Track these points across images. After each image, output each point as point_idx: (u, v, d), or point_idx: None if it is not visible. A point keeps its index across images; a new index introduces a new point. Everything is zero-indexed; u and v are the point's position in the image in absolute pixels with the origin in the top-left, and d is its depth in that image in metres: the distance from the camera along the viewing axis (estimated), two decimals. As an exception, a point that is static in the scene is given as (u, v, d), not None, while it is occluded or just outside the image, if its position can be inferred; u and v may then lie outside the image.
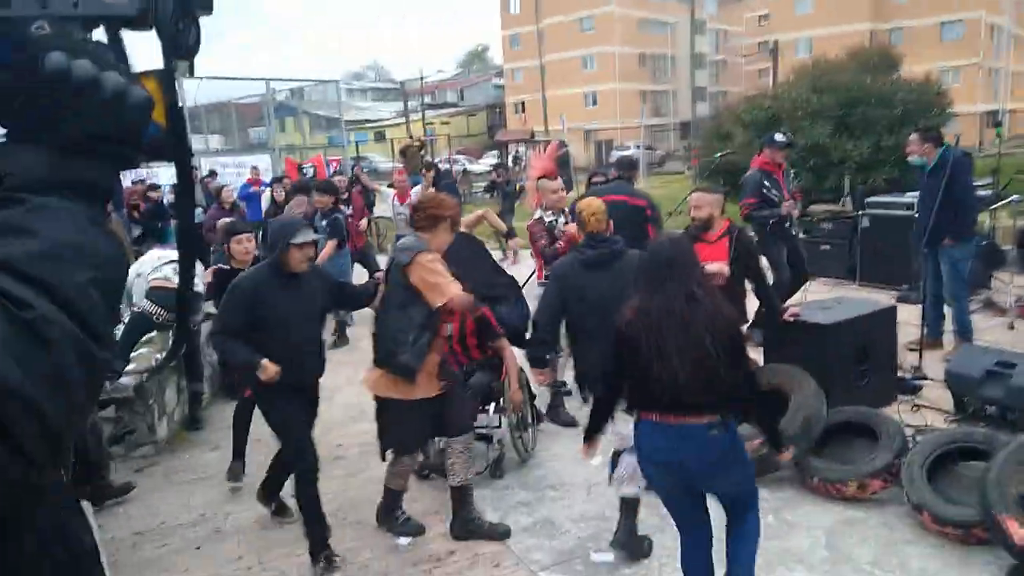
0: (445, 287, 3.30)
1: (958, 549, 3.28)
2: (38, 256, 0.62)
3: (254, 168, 12.32)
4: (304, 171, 14.51)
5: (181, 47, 0.79)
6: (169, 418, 5.21)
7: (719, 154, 11.07)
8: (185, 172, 0.87)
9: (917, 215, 5.89)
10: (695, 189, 4.89)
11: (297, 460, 3.49)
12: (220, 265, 4.69)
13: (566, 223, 5.28)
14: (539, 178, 5.27)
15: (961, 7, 38.63)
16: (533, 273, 5.58)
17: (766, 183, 6.11)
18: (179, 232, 1.22)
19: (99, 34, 0.76)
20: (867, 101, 12.30)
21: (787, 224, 6.16)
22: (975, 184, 6.51)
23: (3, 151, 0.66)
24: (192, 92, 17.41)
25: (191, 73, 0.92)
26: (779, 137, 6.28)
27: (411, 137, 16.85)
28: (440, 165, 8.83)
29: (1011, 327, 6.16)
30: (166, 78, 0.79)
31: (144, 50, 0.81)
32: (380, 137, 46.62)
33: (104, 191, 0.70)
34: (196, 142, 19.46)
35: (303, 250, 3.40)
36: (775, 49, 36.69)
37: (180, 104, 0.82)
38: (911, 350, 5.53)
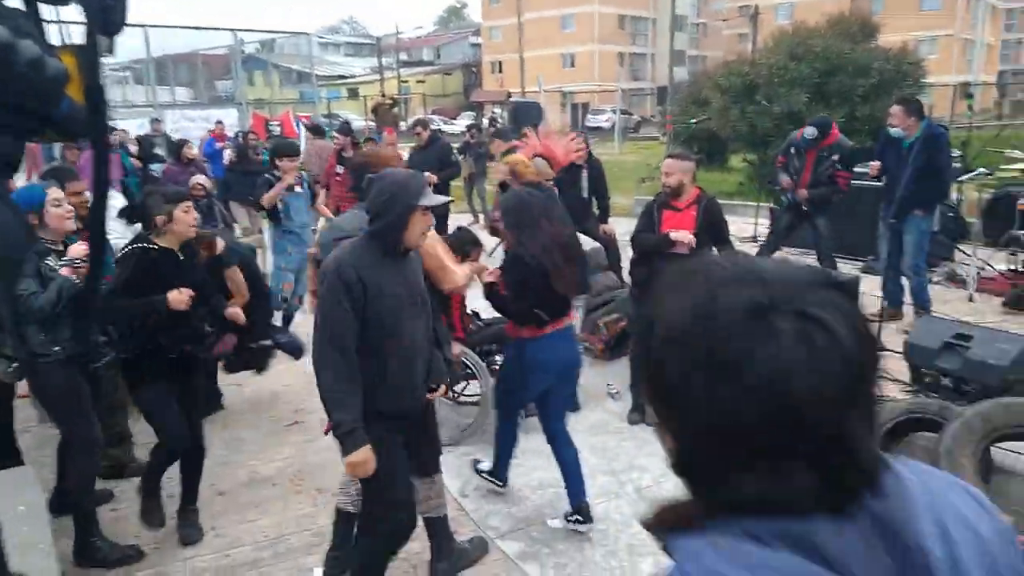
0: (452, 272, 3.38)
1: (907, 518, 3.33)
2: None
3: (218, 123, 11.95)
4: (271, 128, 14.15)
5: (108, 23, 0.75)
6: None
7: (694, 120, 10.98)
8: (102, 157, 0.81)
9: (885, 185, 5.87)
10: (668, 155, 4.82)
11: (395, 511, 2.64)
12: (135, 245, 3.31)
13: None
14: (538, 155, 5.12)
15: (941, -24, 38.58)
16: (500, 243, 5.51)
17: (792, 150, 6.31)
18: (89, 223, 1.09)
19: (15, 1, 0.72)
20: (844, 69, 12.25)
21: (791, 195, 6.27)
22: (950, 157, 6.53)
23: None
24: (159, 41, 16.84)
25: (111, 51, 0.85)
26: (807, 133, 6.21)
27: (383, 95, 16.47)
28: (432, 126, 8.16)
29: (971, 299, 6.25)
30: (88, 55, 0.74)
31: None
32: (353, 94, 45.67)
33: (7, 161, 0.68)
34: (162, 94, 18.87)
35: (427, 217, 2.56)
36: (755, 14, 36.45)
37: (101, 82, 0.77)
38: (871, 321, 5.60)
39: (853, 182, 7.69)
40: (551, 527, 3.41)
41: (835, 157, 6.19)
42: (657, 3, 49.38)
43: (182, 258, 3.29)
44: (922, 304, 5.71)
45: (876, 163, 5.99)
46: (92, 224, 0.94)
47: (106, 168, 0.88)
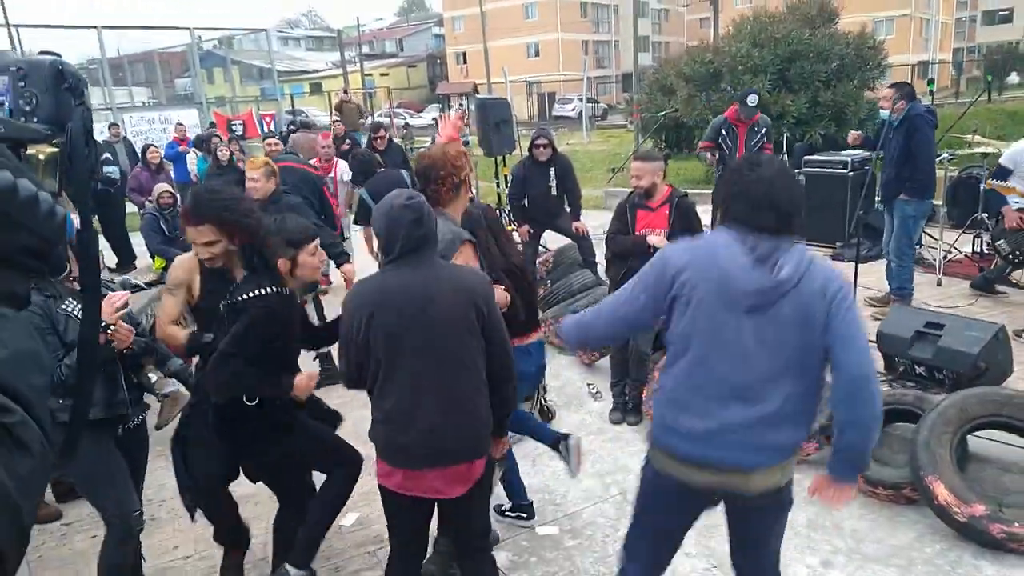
0: None
1: (887, 508, 3.40)
2: (6, 363, 0.66)
3: (179, 125, 11.68)
4: (233, 127, 13.89)
5: (89, 168, 0.87)
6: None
7: (662, 113, 11.02)
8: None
9: (882, 169, 5.91)
10: (636, 156, 4.82)
11: None
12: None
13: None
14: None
15: (896, -43, 39.14)
16: None
17: (723, 131, 6.46)
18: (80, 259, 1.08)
19: None
20: (805, 56, 12.40)
21: None
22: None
23: None
24: (114, 42, 16.43)
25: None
26: (750, 100, 6.45)
27: (346, 91, 16.26)
28: (370, 124, 7.86)
29: (939, 283, 6.38)
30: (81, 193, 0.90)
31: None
32: (316, 89, 45.05)
33: (25, 301, 0.73)
34: (120, 95, 18.42)
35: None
36: (716, -1, 36.62)
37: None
38: (871, 305, 5.71)
39: (822, 170, 7.83)
40: (539, 534, 3.41)
41: (762, 131, 6.52)
42: (618, -11, 49.48)
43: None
44: (899, 291, 5.73)
45: (857, 132, 6.24)
46: (83, 261, 0.95)
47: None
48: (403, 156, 8.13)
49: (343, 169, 7.14)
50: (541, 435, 3.49)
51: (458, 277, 2.39)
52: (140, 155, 8.97)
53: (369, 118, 15.74)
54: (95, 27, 14.67)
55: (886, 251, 5.88)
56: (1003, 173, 5.51)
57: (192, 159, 9.96)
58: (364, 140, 9.15)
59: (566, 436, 3.39)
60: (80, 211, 0.90)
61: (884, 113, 5.62)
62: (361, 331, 2.28)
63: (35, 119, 0.81)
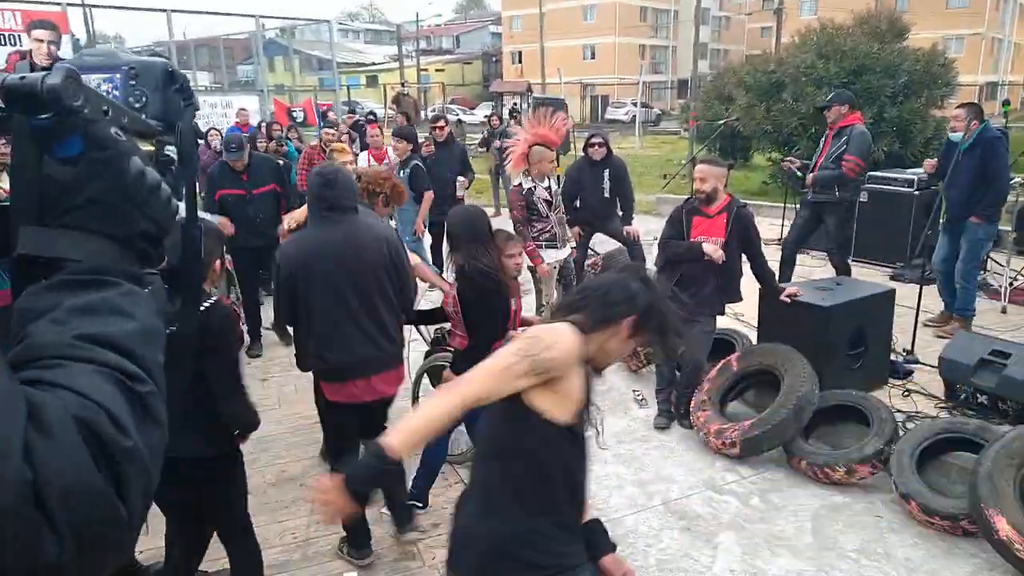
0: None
1: (943, 540, 3.28)
2: (138, 337, 0.68)
3: (242, 111, 11.93)
4: (294, 115, 14.14)
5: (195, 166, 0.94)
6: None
7: (721, 121, 10.84)
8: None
9: (946, 191, 5.64)
10: (702, 159, 4.75)
11: None
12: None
13: (548, 189, 5.15)
14: (534, 144, 5.09)
15: (970, -26, 37.92)
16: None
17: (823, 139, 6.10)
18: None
19: None
20: (872, 70, 12.06)
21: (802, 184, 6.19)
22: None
23: (63, 237, 0.69)
24: (181, 26, 16.88)
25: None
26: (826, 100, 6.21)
27: (403, 83, 16.42)
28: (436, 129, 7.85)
29: (1003, 311, 6.14)
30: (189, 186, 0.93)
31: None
32: (373, 81, 45.63)
33: (141, 283, 0.75)
34: (184, 79, 18.87)
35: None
36: (780, 8, 35.96)
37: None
38: (927, 325, 5.57)
39: (886, 187, 7.59)
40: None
41: (844, 139, 5.86)
42: (680, -5, 48.92)
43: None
44: (964, 312, 5.62)
45: (931, 160, 5.99)
46: (187, 255, 0.96)
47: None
48: (462, 149, 8.20)
49: (392, 156, 7.43)
50: (429, 468, 3.52)
51: (376, 228, 3.16)
52: (203, 137, 9.21)
53: (423, 112, 15.85)
54: (164, 10, 15.08)
55: (938, 271, 5.76)
56: None
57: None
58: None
59: (421, 506, 3.49)
60: (188, 207, 0.91)
61: (955, 135, 5.45)
62: (299, 279, 2.93)
63: (144, 116, 0.83)
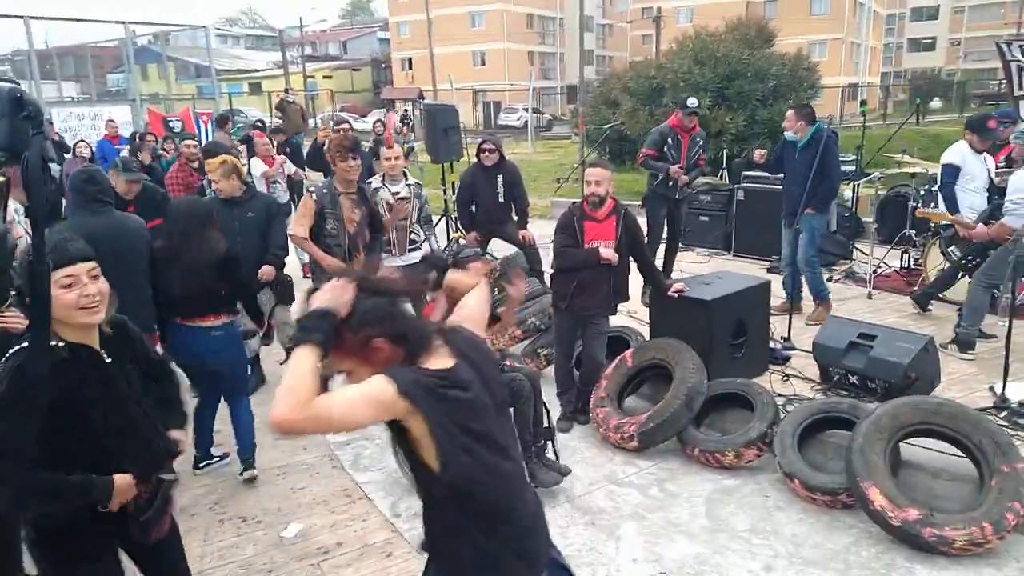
0: None
1: (825, 514, 3.50)
2: None
3: (110, 122, 11.24)
4: (171, 125, 13.44)
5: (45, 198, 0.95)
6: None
7: (608, 125, 11.19)
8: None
9: (783, 186, 6.26)
10: (592, 163, 4.87)
11: None
12: None
13: (395, 194, 5.07)
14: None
15: (828, -18, 40.92)
16: None
17: (669, 140, 6.43)
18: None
19: None
20: (744, 75, 12.80)
21: (671, 184, 6.38)
22: (841, 160, 6.92)
23: None
24: (42, 34, 15.71)
25: None
26: (690, 102, 6.43)
27: (287, 90, 15.94)
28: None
29: (870, 296, 6.64)
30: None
31: None
32: (256, 89, 44.04)
33: None
34: (48, 89, 17.59)
35: None
36: (658, 16, 37.51)
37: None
38: (774, 314, 5.88)
39: (760, 186, 8.08)
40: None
41: (700, 143, 6.59)
42: (564, 3, 50.03)
43: (109, 360, 2.00)
44: (819, 295, 6.05)
45: (761, 151, 6.66)
46: (34, 292, 0.89)
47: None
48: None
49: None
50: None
51: (133, 220, 4.02)
52: (71, 149, 8.62)
53: (311, 120, 15.44)
54: (22, 16, 13.99)
55: (785, 265, 6.19)
56: (951, 172, 5.65)
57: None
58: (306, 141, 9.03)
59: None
60: (35, 242, 0.86)
61: (788, 134, 5.90)
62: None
63: None
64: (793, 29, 33.37)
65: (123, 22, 15.67)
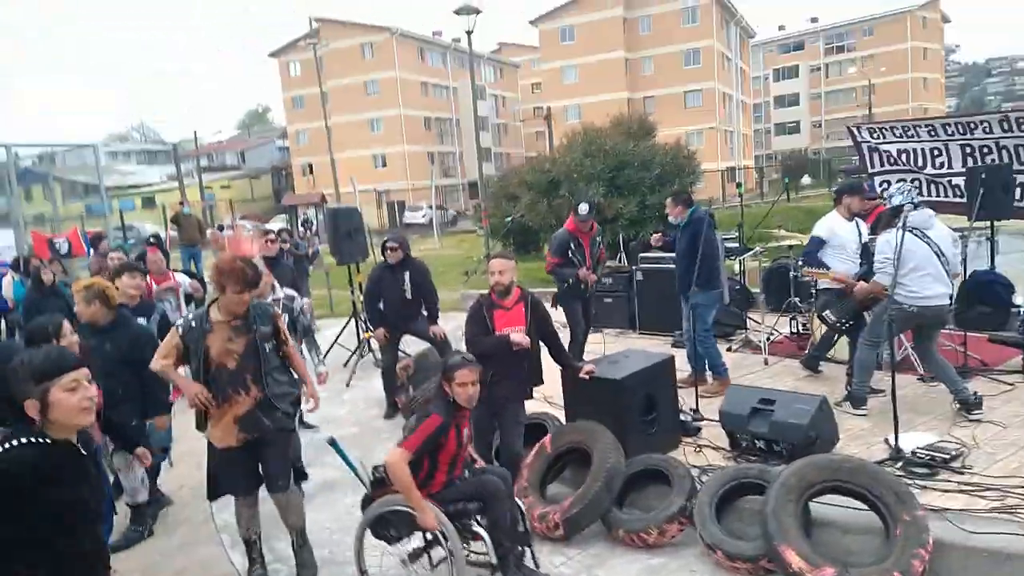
0: None
1: (749, 581, 3.55)
2: None
3: (-9, 247, 10.66)
4: (57, 246, 12.88)
5: None
6: None
7: (509, 218, 11.58)
8: None
9: (675, 266, 6.60)
10: (495, 255, 5.02)
11: None
12: None
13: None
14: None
15: (699, 78, 44.71)
16: None
17: (572, 246, 6.65)
18: None
19: None
20: (631, 164, 13.65)
21: (582, 286, 6.60)
22: (721, 238, 7.36)
23: None
24: (-91, 160, 14.93)
25: None
26: (581, 209, 6.65)
27: (182, 203, 15.69)
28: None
29: (766, 363, 6.98)
30: None
31: None
32: (149, 203, 42.99)
33: None
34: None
35: None
36: (548, 115, 39.71)
37: None
38: (681, 387, 6.07)
39: (656, 266, 8.50)
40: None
41: (598, 240, 6.93)
42: (459, 106, 52.14)
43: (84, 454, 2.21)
44: (714, 367, 6.28)
45: (657, 234, 7.02)
46: None
47: None
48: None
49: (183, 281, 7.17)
50: None
51: None
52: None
53: (209, 231, 15.14)
54: None
55: (687, 340, 6.42)
56: (817, 243, 6.02)
57: (8, 282, 9.08)
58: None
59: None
60: None
61: (671, 219, 6.39)
62: None
63: None
64: (672, 120, 36.14)
65: (5, 145, 15.16)
